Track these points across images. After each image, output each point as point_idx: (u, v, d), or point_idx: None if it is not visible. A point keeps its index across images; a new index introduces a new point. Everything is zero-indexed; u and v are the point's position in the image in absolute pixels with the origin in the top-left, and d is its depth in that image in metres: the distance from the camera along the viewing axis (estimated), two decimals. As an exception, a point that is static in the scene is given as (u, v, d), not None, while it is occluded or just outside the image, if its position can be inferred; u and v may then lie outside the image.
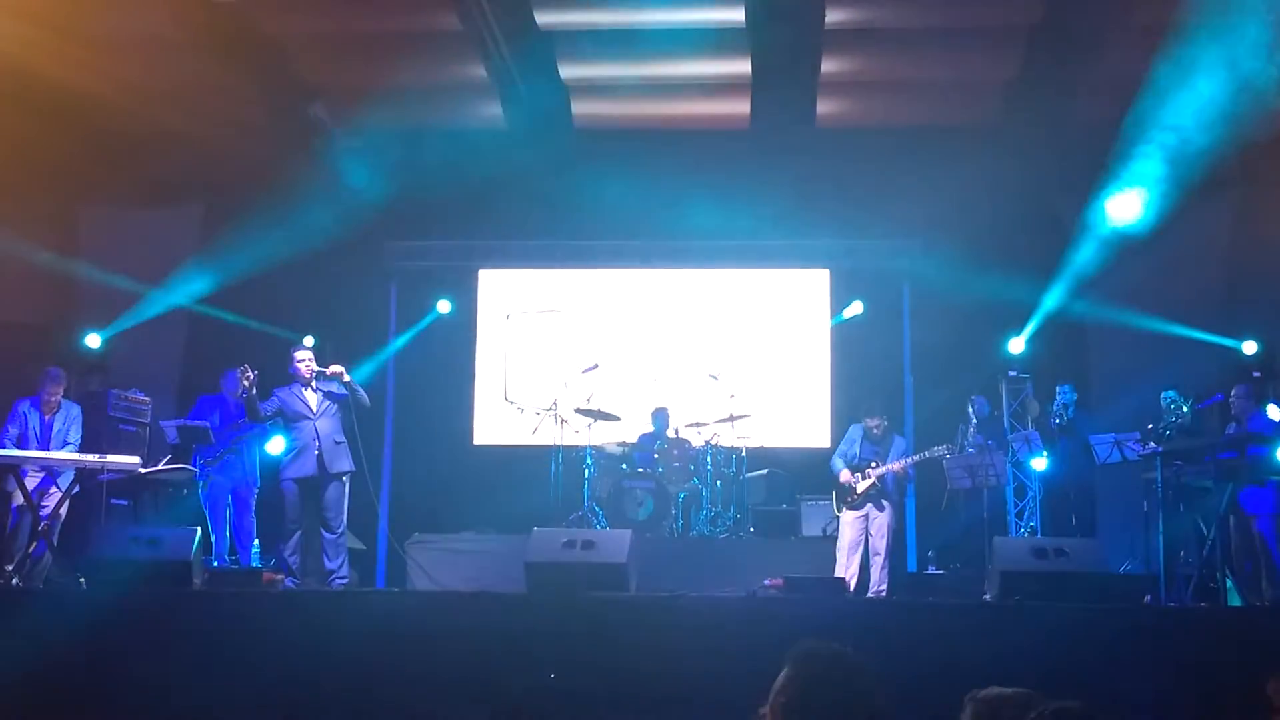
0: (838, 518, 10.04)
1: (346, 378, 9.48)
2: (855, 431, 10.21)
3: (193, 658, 6.94)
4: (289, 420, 9.52)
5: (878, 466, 9.87)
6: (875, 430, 10.06)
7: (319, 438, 9.38)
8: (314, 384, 9.52)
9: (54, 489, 9.56)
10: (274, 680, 6.79)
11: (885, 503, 9.86)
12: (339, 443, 9.47)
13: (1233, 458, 9.22)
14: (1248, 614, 8.54)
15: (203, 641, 7.05)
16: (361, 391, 9.63)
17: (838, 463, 10.10)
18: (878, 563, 9.75)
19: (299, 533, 9.47)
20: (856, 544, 9.80)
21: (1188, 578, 9.28)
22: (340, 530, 9.49)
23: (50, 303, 11.97)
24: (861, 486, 9.84)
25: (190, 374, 12.28)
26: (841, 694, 2.82)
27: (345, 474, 9.51)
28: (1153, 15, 9.86)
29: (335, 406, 9.52)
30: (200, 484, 10.46)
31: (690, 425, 11.60)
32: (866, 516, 9.83)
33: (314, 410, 9.45)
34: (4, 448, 9.51)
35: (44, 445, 9.72)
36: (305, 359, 9.53)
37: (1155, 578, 9.13)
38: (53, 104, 11.11)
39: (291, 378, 9.58)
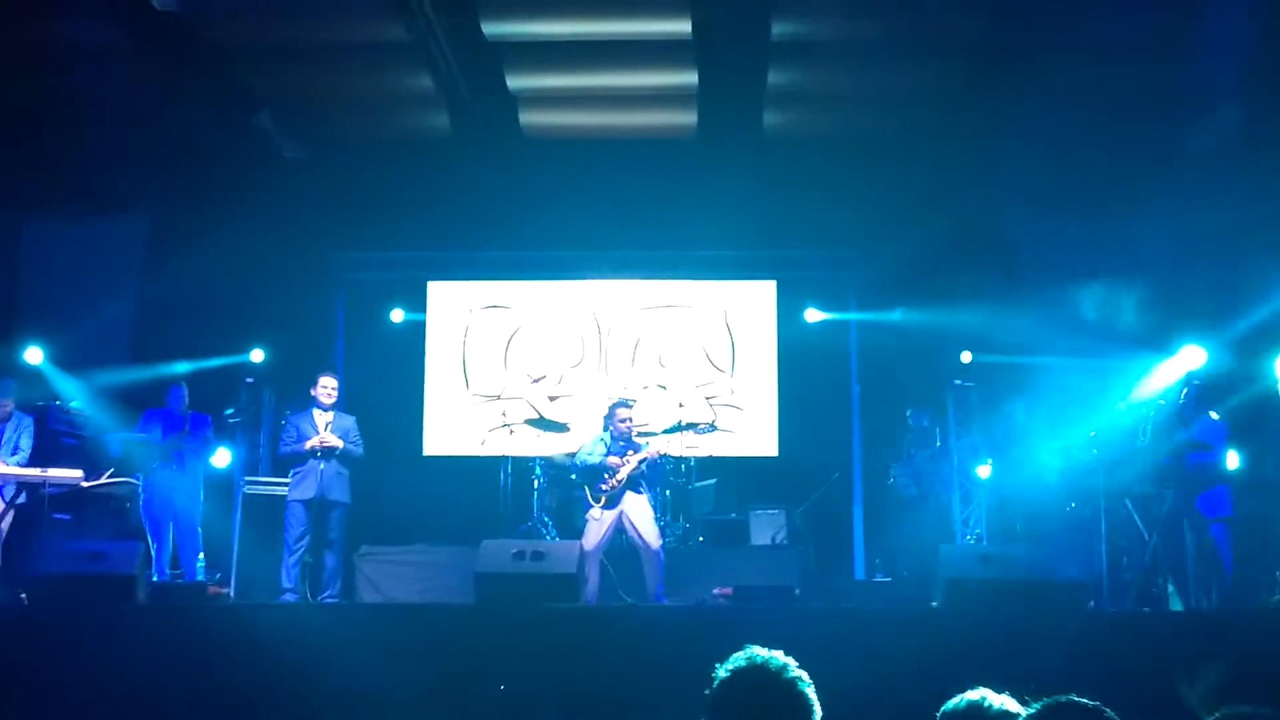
0: (595, 519, 9.62)
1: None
2: (601, 435, 9.98)
3: (137, 673, 6.87)
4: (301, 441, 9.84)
5: (636, 453, 9.68)
6: (625, 427, 9.89)
7: (323, 463, 9.71)
8: (330, 412, 9.94)
9: None
10: (221, 695, 6.74)
11: (643, 485, 9.67)
12: (340, 473, 9.82)
13: (1173, 464, 9.34)
14: (1189, 618, 8.67)
15: (147, 656, 6.98)
16: (357, 450, 10.03)
17: (589, 457, 9.79)
18: (652, 556, 9.44)
19: (301, 551, 9.72)
20: (603, 546, 9.61)
21: (1130, 583, 9.39)
22: (340, 554, 9.85)
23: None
24: (624, 471, 9.56)
25: (134, 387, 12.13)
26: (772, 705, 2.78)
27: (342, 503, 9.85)
28: (1093, 28, 10.03)
29: (343, 437, 9.88)
30: (142, 495, 10.39)
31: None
32: (621, 512, 9.55)
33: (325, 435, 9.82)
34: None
35: None
36: (330, 387, 10.00)
37: (1098, 583, 9.24)
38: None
39: (309, 400, 10.00)
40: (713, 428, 10.30)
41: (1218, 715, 2.90)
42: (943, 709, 3.03)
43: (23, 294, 12.06)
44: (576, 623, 7.53)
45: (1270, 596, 8.64)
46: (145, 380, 11.29)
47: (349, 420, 10.08)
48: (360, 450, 10.04)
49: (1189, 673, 4.25)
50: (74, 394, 11.00)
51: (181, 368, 11.17)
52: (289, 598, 9.57)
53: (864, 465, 12.33)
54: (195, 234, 11.83)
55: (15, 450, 9.68)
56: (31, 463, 9.66)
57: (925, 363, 11.96)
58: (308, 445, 9.78)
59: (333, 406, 10.01)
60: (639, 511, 9.48)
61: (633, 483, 9.54)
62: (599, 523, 9.47)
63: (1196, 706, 3.96)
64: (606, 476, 9.53)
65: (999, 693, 3.05)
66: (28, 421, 9.95)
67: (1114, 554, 9.55)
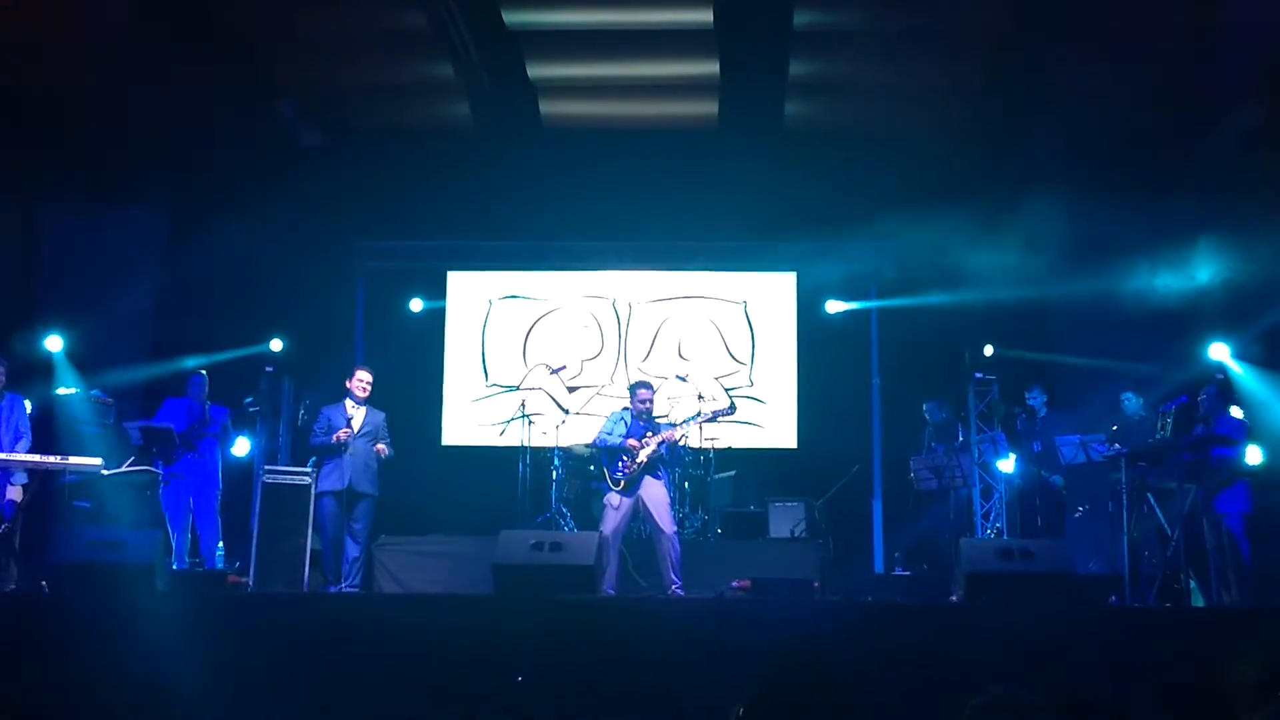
0: (613, 506, 9.45)
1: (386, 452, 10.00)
2: (621, 413, 9.85)
3: (156, 661, 6.87)
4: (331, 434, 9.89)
5: (655, 435, 9.49)
6: (646, 406, 9.71)
7: (353, 455, 9.79)
8: (362, 407, 10.01)
9: (9, 486, 9.45)
10: (239, 684, 6.74)
11: (661, 470, 9.53)
12: (369, 465, 9.89)
13: (1196, 459, 9.28)
14: (1210, 615, 8.61)
15: (166, 645, 6.98)
16: (389, 451, 10.06)
17: (608, 437, 9.66)
18: (667, 542, 9.28)
19: (338, 544, 9.83)
20: (620, 532, 9.47)
21: (1152, 579, 9.33)
22: (362, 545, 9.92)
23: (9, 304, 11.82)
24: (644, 454, 9.40)
25: (155, 375, 12.16)
26: (814, 704, 2.77)
27: (370, 495, 9.93)
28: (1114, 23, 9.96)
29: (374, 431, 9.96)
30: (162, 484, 10.41)
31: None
32: (638, 498, 9.41)
33: (354, 428, 9.88)
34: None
35: None
36: (365, 381, 10.07)
37: (1120, 578, 9.18)
38: (11, 100, 11.02)
39: (345, 393, 10.06)
40: (732, 409, 10.24)
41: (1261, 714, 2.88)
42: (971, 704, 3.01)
43: (41, 283, 12.08)
44: (595, 614, 7.51)
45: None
46: (165, 370, 11.33)
47: (380, 416, 10.10)
48: (390, 450, 10.05)
49: (1237, 663, 4.23)
50: (93, 383, 11.01)
51: (200, 359, 11.17)
52: (330, 589, 9.67)
53: (884, 458, 12.30)
54: (214, 223, 11.83)
55: (18, 435, 9.66)
56: (52, 450, 9.66)
57: (946, 355, 11.90)
58: (335, 438, 9.79)
59: (365, 401, 10.04)
60: (655, 496, 9.42)
61: (651, 467, 9.47)
62: (616, 510, 9.42)
63: (1240, 697, 3.94)
64: (625, 459, 9.46)
65: (1019, 688, 3.03)
66: (21, 402, 9.89)
67: (1136, 549, 9.48)
